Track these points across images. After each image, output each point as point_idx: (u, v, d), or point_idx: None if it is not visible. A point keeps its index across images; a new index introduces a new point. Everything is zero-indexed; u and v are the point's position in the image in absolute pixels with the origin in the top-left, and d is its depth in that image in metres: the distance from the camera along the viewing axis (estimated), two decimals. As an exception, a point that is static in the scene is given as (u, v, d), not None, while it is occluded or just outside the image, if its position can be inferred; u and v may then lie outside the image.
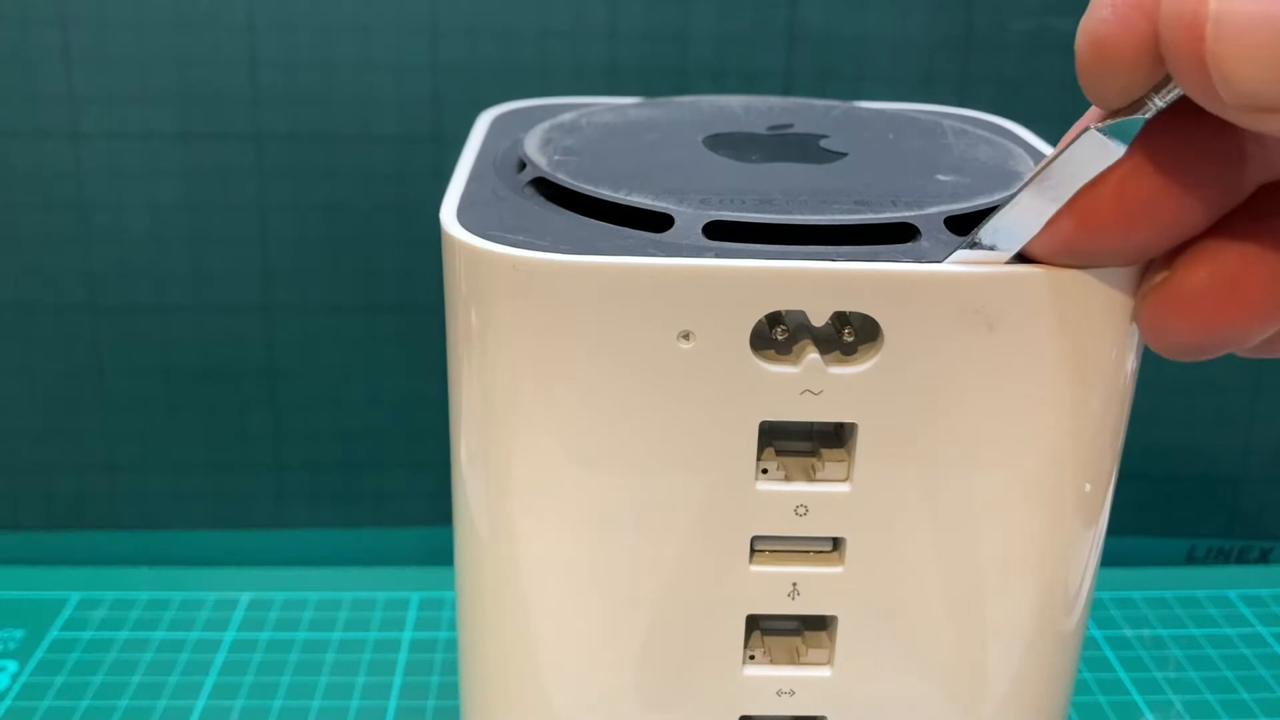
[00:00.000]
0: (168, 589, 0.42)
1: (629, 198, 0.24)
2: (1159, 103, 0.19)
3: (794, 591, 0.25)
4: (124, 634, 0.40)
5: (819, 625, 0.26)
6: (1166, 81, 0.19)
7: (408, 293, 0.43)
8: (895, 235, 0.23)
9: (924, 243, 0.23)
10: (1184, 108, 0.19)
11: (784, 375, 0.23)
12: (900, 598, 0.25)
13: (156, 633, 0.40)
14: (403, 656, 0.39)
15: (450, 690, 0.37)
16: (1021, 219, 0.22)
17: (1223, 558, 0.48)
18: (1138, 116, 0.20)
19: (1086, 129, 0.20)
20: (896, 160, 0.27)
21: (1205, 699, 0.38)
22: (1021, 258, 0.22)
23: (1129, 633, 0.41)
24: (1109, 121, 0.20)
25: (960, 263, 0.22)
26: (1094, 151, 0.20)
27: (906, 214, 0.24)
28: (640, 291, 0.22)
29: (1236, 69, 0.17)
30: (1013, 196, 0.22)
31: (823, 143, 0.28)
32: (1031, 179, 0.21)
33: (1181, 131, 0.20)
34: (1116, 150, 0.20)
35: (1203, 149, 0.20)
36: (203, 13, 0.40)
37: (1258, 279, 0.21)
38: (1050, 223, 0.21)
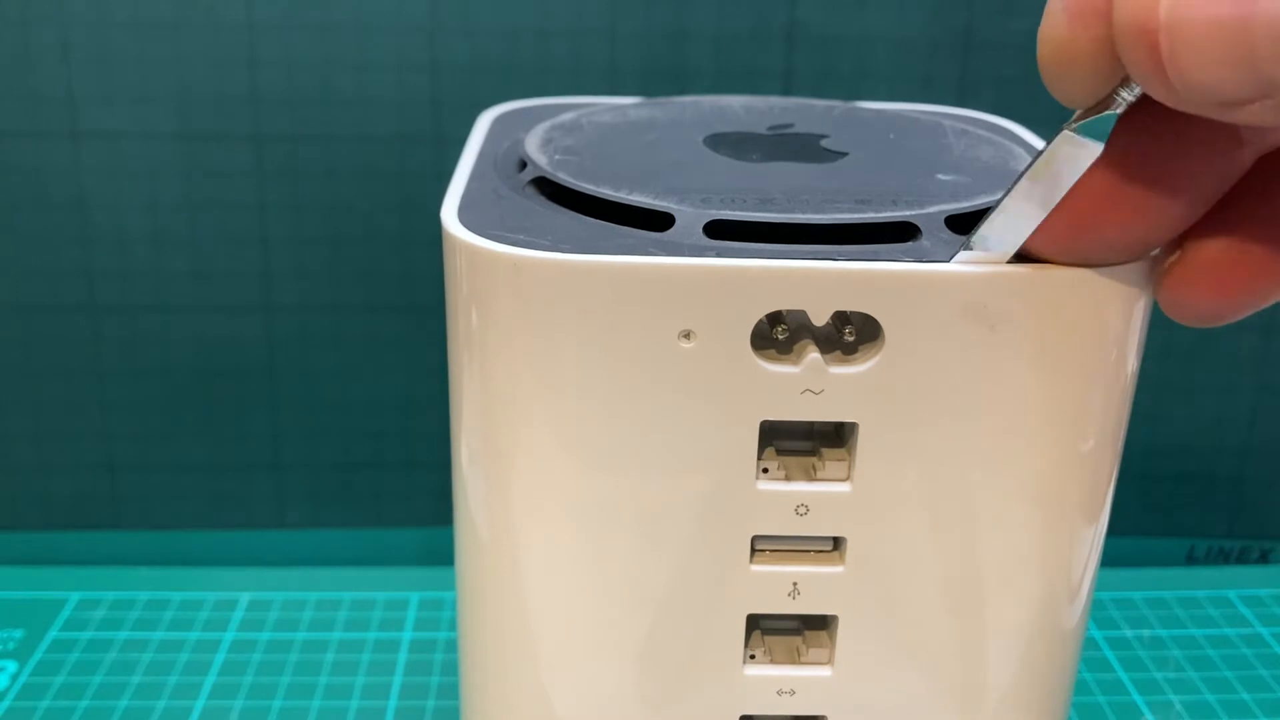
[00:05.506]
0: (168, 589, 0.42)
1: (629, 197, 0.24)
2: (1128, 97, 0.19)
3: (794, 591, 0.25)
4: (124, 634, 0.40)
5: (819, 625, 0.26)
6: (1130, 78, 0.19)
7: (408, 293, 0.43)
8: (896, 234, 0.23)
9: (925, 242, 0.23)
10: None
11: (784, 375, 0.23)
12: (900, 598, 0.25)
13: (156, 633, 0.40)
14: (403, 656, 0.39)
15: (450, 690, 0.37)
16: (1015, 221, 0.22)
17: (1223, 558, 0.48)
18: (1109, 113, 0.20)
19: (1061, 130, 0.20)
20: (897, 160, 0.27)
21: (1205, 699, 0.38)
22: (1022, 257, 0.22)
23: (1129, 633, 0.41)
24: (1081, 121, 0.20)
25: (961, 263, 0.22)
26: (1072, 152, 0.21)
27: (907, 213, 0.24)
28: (641, 291, 0.22)
29: (1194, 72, 0.17)
30: (1003, 199, 0.22)
31: (823, 142, 0.28)
32: (1018, 181, 0.21)
33: (1169, 123, 0.20)
34: (1094, 148, 0.20)
35: (1192, 138, 0.20)
36: (203, 13, 0.40)
37: (1270, 248, 0.21)
38: (1046, 223, 0.21)
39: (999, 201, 0.22)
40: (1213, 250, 0.21)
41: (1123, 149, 0.20)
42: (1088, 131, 0.20)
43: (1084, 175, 0.21)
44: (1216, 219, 0.21)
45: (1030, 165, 0.21)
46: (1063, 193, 0.21)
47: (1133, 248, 0.22)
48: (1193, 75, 0.17)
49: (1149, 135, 0.20)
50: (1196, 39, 0.17)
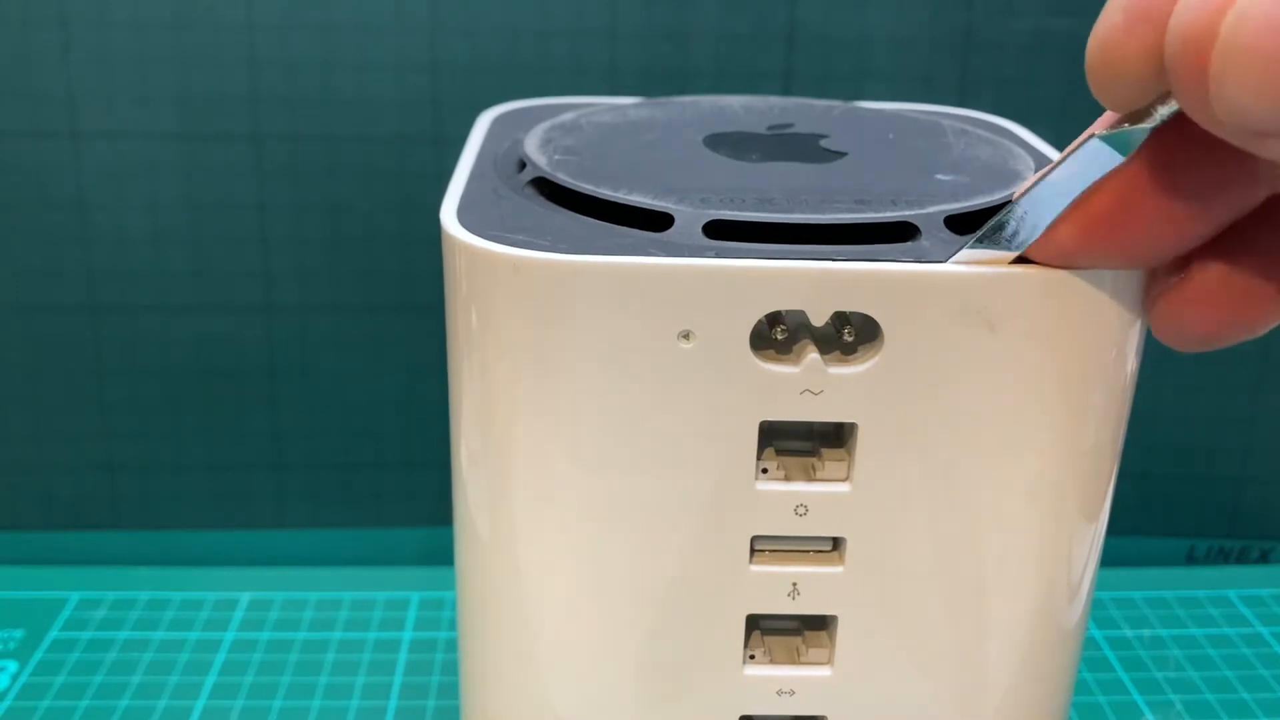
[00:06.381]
0: (168, 589, 0.42)
1: (629, 197, 0.24)
2: (1164, 112, 0.19)
3: (794, 591, 0.25)
4: (124, 634, 0.40)
5: (819, 625, 0.26)
6: (1171, 93, 0.19)
7: (408, 293, 0.43)
8: (895, 234, 0.23)
9: (924, 242, 0.23)
10: (1191, 123, 0.19)
11: (784, 375, 0.23)
12: (900, 597, 0.25)
13: (156, 633, 0.40)
14: (403, 656, 0.39)
15: (450, 690, 0.37)
16: (1025, 222, 0.22)
17: (1223, 558, 0.48)
18: (1142, 126, 0.20)
19: (1092, 136, 0.20)
20: (896, 160, 0.27)
21: (1205, 699, 0.38)
22: (1024, 259, 0.22)
23: (1129, 633, 0.41)
24: (1113, 130, 0.20)
25: (962, 263, 0.22)
26: (1097, 158, 0.21)
27: (907, 213, 0.24)
28: (640, 291, 0.22)
29: (1238, 97, 0.17)
30: (1017, 199, 0.22)
31: (823, 142, 0.28)
32: (1036, 182, 0.21)
33: (1189, 145, 0.20)
34: (1117, 157, 0.20)
35: (1210, 164, 0.20)
36: (203, 13, 0.40)
37: (1271, 284, 0.21)
38: (1053, 227, 0.22)
39: (1016, 199, 0.22)
40: (1214, 283, 0.21)
41: (1142, 164, 0.20)
42: (1117, 140, 0.20)
43: (1099, 184, 0.21)
44: (1222, 251, 0.21)
45: (1054, 166, 0.21)
46: (1077, 196, 0.21)
47: (1138, 260, 0.22)
48: (1235, 99, 0.17)
49: (1171, 157, 0.20)
50: (1249, 66, 0.16)
